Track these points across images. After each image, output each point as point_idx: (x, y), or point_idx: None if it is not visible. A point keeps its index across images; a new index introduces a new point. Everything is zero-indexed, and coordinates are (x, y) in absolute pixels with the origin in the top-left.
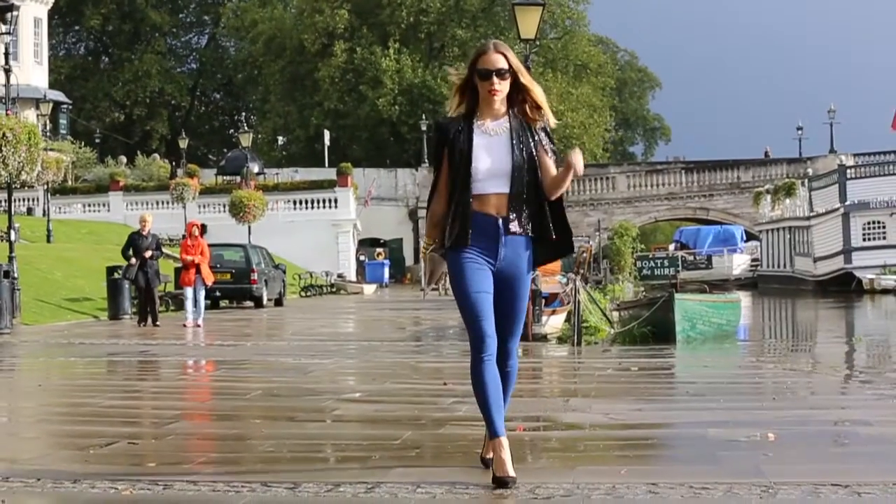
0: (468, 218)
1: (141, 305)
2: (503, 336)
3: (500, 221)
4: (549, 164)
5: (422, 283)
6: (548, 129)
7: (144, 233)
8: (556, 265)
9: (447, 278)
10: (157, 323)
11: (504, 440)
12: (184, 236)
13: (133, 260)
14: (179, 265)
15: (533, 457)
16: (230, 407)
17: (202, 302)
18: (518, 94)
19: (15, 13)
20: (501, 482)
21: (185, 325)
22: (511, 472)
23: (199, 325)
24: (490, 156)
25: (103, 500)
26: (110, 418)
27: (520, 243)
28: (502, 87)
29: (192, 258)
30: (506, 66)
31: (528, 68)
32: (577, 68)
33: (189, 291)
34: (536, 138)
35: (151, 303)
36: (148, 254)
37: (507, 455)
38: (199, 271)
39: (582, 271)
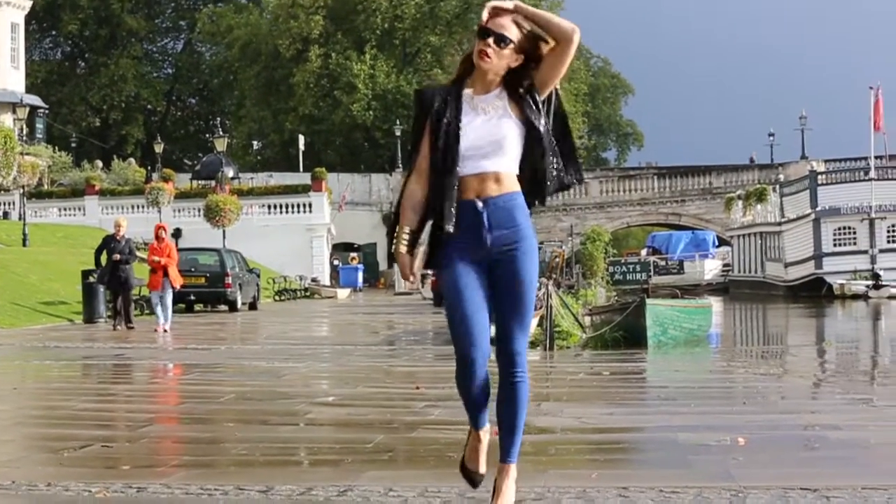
0: (453, 205)
1: (114, 309)
2: (507, 335)
3: (481, 206)
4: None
5: (395, 286)
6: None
7: (118, 237)
8: None
9: (428, 279)
10: (132, 325)
11: (484, 434)
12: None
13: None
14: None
15: None
16: (204, 410)
17: (170, 306)
18: (525, 80)
19: None
20: (468, 474)
21: (155, 330)
22: (481, 469)
23: (165, 330)
24: (475, 133)
25: (76, 502)
26: (84, 421)
27: (508, 208)
28: (495, 58)
29: (158, 259)
30: (511, 37)
31: None
32: None
33: (155, 296)
34: (528, 108)
35: (126, 306)
36: (117, 257)
37: (483, 449)
38: (166, 274)
39: (554, 276)
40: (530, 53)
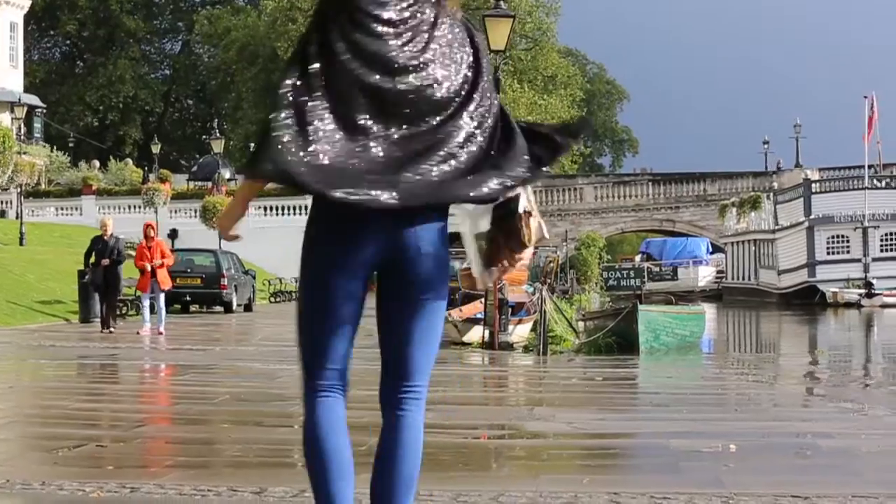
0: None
1: (102, 311)
2: (403, 364)
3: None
4: None
5: None
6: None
7: (106, 237)
8: (523, 274)
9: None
10: (112, 329)
11: None
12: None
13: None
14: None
15: (497, 465)
16: (198, 411)
17: (163, 307)
18: None
19: None
20: None
21: (138, 333)
22: None
23: (160, 333)
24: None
25: (71, 501)
26: (79, 421)
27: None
28: None
29: (145, 265)
30: None
31: (497, 79)
32: (546, 80)
33: (144, 298)
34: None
35: (109, 308)
36: (105, 261)
37: None
38: (154, 276)
39: (549, 281)
40: None
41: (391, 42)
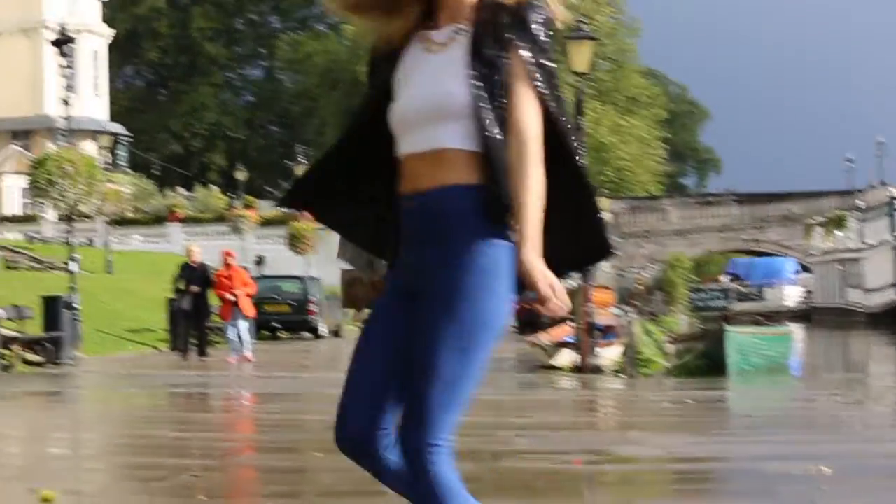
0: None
1: (185, 338)
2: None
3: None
4: (523, 109)
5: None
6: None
7: (193, 264)
8: (610, 297)
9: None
10: (204, 356)
11: None
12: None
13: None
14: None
15: (590, 490)
16: (289, 440)
17: (245, 335)
18: None
19: (72, 45)
20: None
21: (227, 360)
22: None
23: (249, 360)
24: (416, 86)
25: None
26: (171, 450)
27: (434, 211)
28: None
29: (224, 294)
30: None
31: (580, 101)
32: (628, 101)
33: (228, 327)
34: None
35: (201, 336)
36: (194, 289)
37: None
38: (236, 304)
39: (636, 303)
40: None
41: None
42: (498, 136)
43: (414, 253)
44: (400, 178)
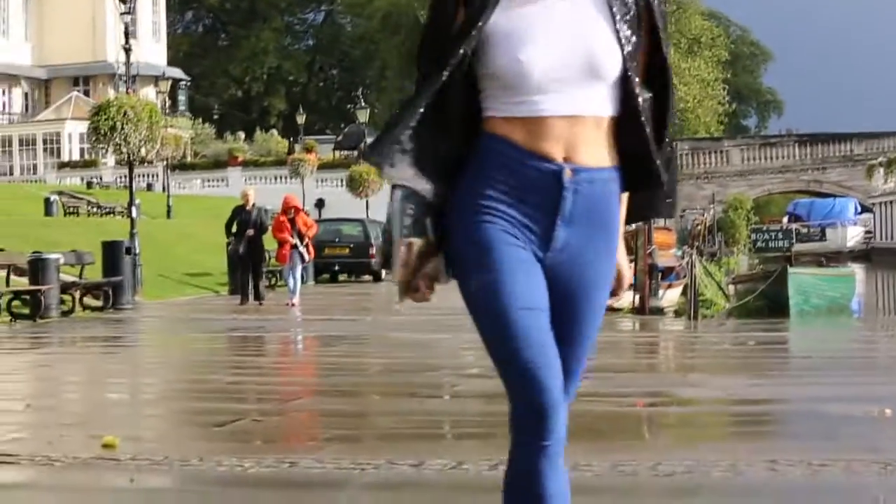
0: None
1: (243, 283)
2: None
3: (564, 174)
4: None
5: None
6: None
7: (248, 207)
8: (671, 238)
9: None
10: (261, 301)
11: None
12: (286, 211)
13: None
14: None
15: (651, 434)
16: (350, 383)
17: (298, 280)
18: None
19: None
20: None
21: (287, 304)
22: None
23: (293, 305)
24: (552, 37)
25: (230, 477)
26: (231, 395)
27: (600, 193)
28: None
29: (285, 237)
30: None
31: None
32: (690, 42)
33: (286, 269)
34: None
35: (256, 280)
36: (250, 232)
37: None
38: (295, 247)
39: (697, 244)
40: None
41: None
42: (643, 104)
43: (575, 232)
44: (533, 138)
